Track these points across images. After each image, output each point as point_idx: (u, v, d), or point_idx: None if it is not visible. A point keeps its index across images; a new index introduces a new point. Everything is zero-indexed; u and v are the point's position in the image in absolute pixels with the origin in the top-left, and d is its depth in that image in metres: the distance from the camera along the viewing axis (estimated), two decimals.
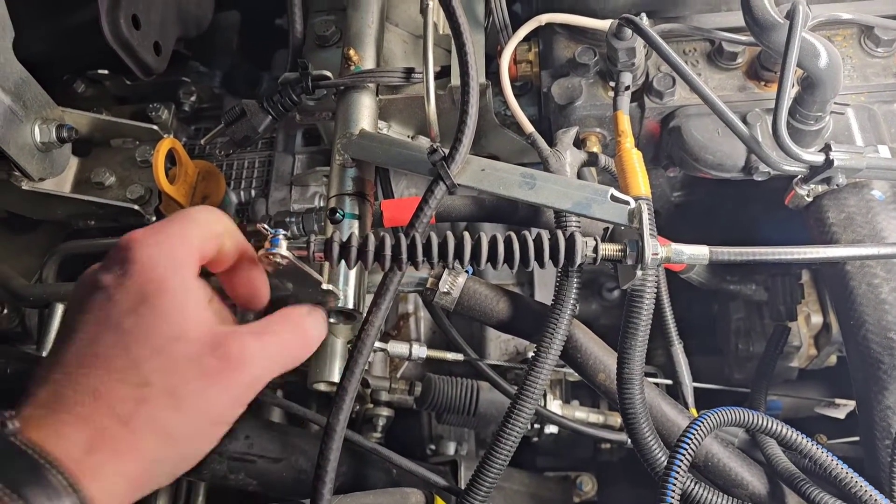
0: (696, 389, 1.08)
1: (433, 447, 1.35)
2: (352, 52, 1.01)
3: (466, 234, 0.77)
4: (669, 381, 1.11)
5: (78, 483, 0.50)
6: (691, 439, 0.77)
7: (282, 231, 0.76)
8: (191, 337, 0.57)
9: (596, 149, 1.04)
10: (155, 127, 1.16)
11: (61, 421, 0.52)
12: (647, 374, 1.25)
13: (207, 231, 0.64)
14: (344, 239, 0.76)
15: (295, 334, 0.66)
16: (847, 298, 0.88)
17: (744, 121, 0.96)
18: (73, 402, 0.53)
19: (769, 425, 0.80)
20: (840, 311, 0.92)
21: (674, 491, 0.75)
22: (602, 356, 0.93)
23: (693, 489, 0.79)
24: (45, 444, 0.50)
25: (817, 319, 1.21)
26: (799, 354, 1.23)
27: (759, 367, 1.16)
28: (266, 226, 0.79)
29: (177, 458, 0.58)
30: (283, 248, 0.75)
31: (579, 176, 0.98)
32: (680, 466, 0.76)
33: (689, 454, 0.77)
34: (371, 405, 1.23)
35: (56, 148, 1.07)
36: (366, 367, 1.19)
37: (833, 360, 1.27)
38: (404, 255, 0.76)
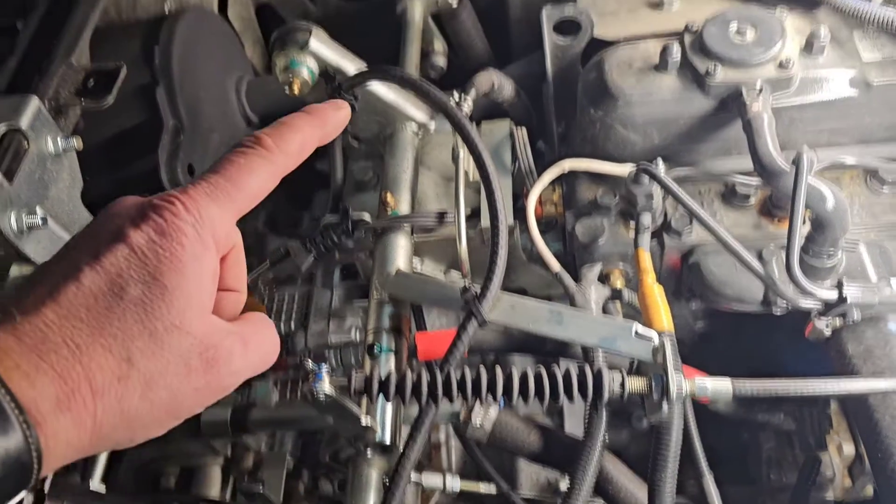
0: None
1: None
2: (389, 196, 1.09)
3: (498, 370, 0.81)
4: None
5: (35, 435, 0.49)
6: None
7: (325, 367, 0.81)
8: (186, 330, 0.55)
9: (620, 283, 1.09)
10: None
11: (40, 369, 0.50)
12: None
13: (260, 194, 0.61)
14: (382, 376, 0.80)
15: (273, 345, 0.63)
16: (872, 430, 0.90)
17: (759, 257, 1.01)
18: (56, 352, 0.51)
19: None
20: (867, 443, 0.93)
21: None
22: (633, 489, 0.94)
23: None
24: (18, 388, 0.49)
25: (849, 449, 1.21)
26: (834, 486, 1.21)
27: (791, 499, 1.15)
28: (310, 361, 0.84)
29: (126, 439, 0.56)
30: (326, 384, 0.80)
31: (604, 311, 1.02)
32: None
33: None
34: None
35: None
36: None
37: (870, 490, 1.26)
38: (439, 392, 0.80)
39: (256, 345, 0.60)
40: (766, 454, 1.27)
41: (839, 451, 1.21)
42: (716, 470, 1.10)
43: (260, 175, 0.60)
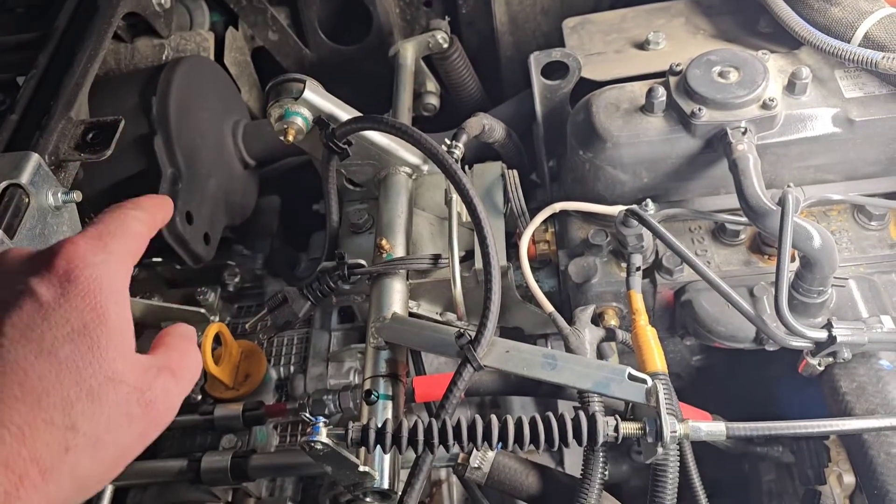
0: None
1: None
2: (384, 241, 1.11)
3: (493, 418, 0.82)
4: None
5: None
6: None
7: (322, 419, 0.82)
8: (121, 380, 0.53)
9: (614, 322, 1.10)
10: (203, 310, 1.24)
11: None
12: None
13: (143, 242, 0.63)
14: (379, 424, 0.82)
15: (196, 361, 0.63)
16: (868, 467, 0.90)
17: (751, 293, 1.02)
18: None
19: None
20: (863, 479, 0.94)
21: None
22: None
23: None
24: None
25: (850, 479, 1.21)
26: None
27: None
28: (307, 414, 0.85)
29: (78, 499, 0.54)
30: (323, 435, 0.81)
31: (599, 351, 1.03)
32: None
33: None
34: None
35: None
36: None
37: None
38: (435, 440, 0.81)
39: (184, 370, 0.60)
40: (767, 486, 1.27)
41: (839, 481, 1.21)
42: (717, 499, 1.10)
43: (139, 223, 0.63)
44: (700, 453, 1.07)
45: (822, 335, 0.89)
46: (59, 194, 1.05)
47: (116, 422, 0.53)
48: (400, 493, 0.89)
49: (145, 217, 0.65)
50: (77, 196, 1.08)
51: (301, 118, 1.11)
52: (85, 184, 1.19)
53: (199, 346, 0.67)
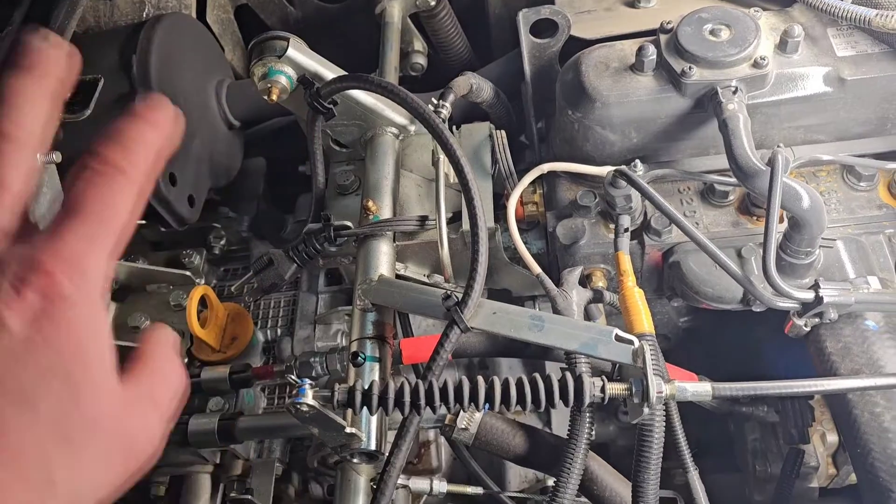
0: None
1: None
2: (370, 203, 1.09)
3: (480, 379, 0.82)
4: None
5: None
6: None
7: (308, 381, 0.82)
8: (102, 422, 0.48)
9: (602, 283, 1.10)
10: (188, 273, 1.24)
11: None
12: (666, 499, 1.26)
13: (130, 220, 0.53)
14: (365, 386, 0.81)
15: (179, 378, 0.56)
16: (851, 426, 0.91)
17: (739, 255, 1.02)
18: None
19: None
20: (847, 439, 0.95)
21: None
22: (618, 488, 0.96)
23: None
24: None
25: (833, 438, 1.23)
26: (818, 474, 1.23)
27: (776, 492, 1.17)
28: (293, 376, 0.85)
29: None
30: (309, 397, 0.81)
31: (587, 312, 1.03)
32: None
33: None
34: None
35: None
36: None
37: (854, 477, 1.28)
38: (422, 402, 0.81)
39: (165, 393, 0.54)
40: (752, 445, 1.29)
41: (823, 440, 1.22)
42: (702, 459, 1.11)
43: (126, 201, 0.51)
44: (685, 413, 1.08)
45: (809, 296, 0.89)
46: (38, 155, 1.03)
47: (96, 468, 0.48)
48: (387, 454, 0.89)
49: (136, 183, 0.52)
50: (56, 157, 1.05)
51: (285, 77, 1.08)
52: (65, 145, 1.17)
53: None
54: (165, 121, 0.55)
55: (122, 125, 0.53)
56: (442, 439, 1.39)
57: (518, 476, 1.31)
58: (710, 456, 1.28)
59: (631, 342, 0.85)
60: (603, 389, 0.82)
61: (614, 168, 0.99)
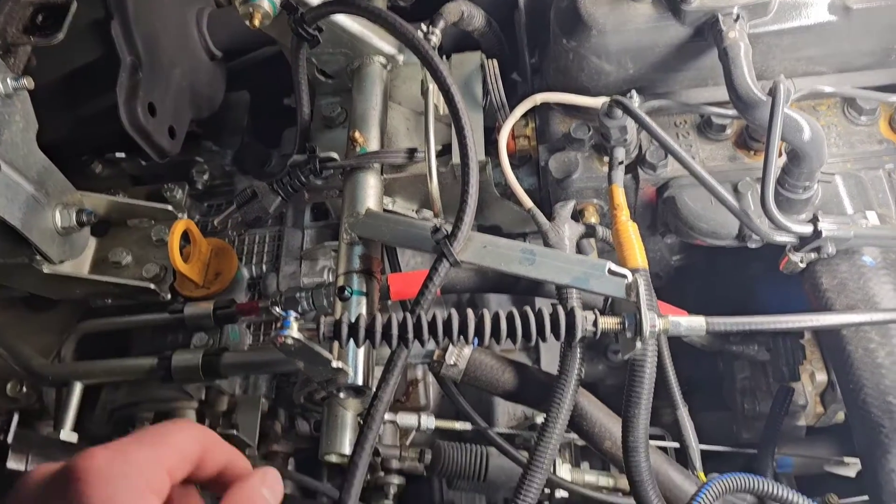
0: (703, 450, 1.09)
1: None
2: (357, 134, 1.06)
3: (470, 312, 0.80)
4: (677, 445, 1.13)
5: None
6: None
7: (293, 313, 0.79)
8: None
9: (594, 219, 1.07)
10: (170, 207, 1.21)
11: None
12: (655, 437, 1.26)
13: (181, 455, 0.54)
14: (352, 319, 0.79)
15: None
16: (845, 362, 0.90)
17: (735, 189, 0.99)
18: None
19: (776, 491, 0.82)
20: (839, 375, 0.94)
21: None
22: (608, 423, 0.95)
23: None
24: None
25: (822, 377, 1.23)
26: (806, 413, 1.24)
27: (765, 429, 1.17)
28: (278, 308, 0.82)
29: None
30: (294, 330, 0.79)
31: (578, 247, 1.01)
32: None
33: None
34: (382, 473, 1.24)
35: (76, 231, 1.12)
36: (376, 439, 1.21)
37: (841, 416, 1.28)
38: (410, 335, 0.79)
39: None
40: (741, 384, 1.29)
41: (812, 379, 1.22)
42: (692, 397, 1.11)
43: (183, 433, 0.55)
44: (675, 352, 1.07)
45: (808, 229, 0.87)
46: (9, 80, 0.99)
47: None
48: (374, 389, 0.87)
49: (198, 434, 0.56)
50: (28, 83, 1.01)
51: (267, 1, 1.03)
52: (38, 72, 1.12)
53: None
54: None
55: None
56: (430, 378, 1.39)
57: (506, 414, 1.31)
58: (699, 394, 1.27)
59: (624, 276, 0.83)
60: (595, 323, 0.80)
61: (610, 98, 0.96)
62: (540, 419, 1.04)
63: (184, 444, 0.55)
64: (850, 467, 1.24)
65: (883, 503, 0.88)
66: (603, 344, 1.42)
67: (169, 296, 1.18)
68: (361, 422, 0.89)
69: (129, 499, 0.48)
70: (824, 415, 1.25)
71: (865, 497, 1.21)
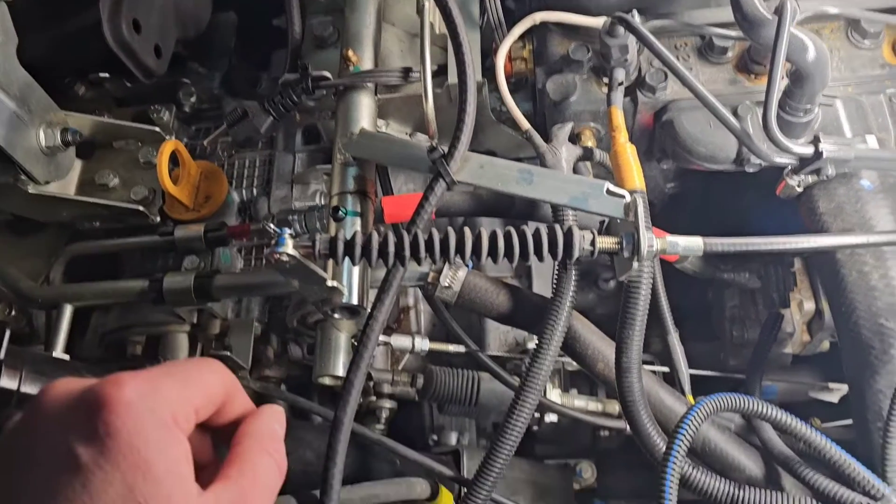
0: (692, 376, 1.11)
1: (435, 438, 1.37)
2: (350, 52, 1.03)
3: (467, 230, 0.79)
4: (666, 369, 1.14)
5: None
6: (689, 425, 0.80)
7: (287, 230, 0.78)
8: None
9: (591, 143, 1.06)
10: (157, 129, 1.18)
11: None
12: (644, 363, 1.27)
13: (208, 396, 0.54)
14: (348, 237, 0.78)
15: (276, 476, 0.56)
16: (838, 286, 0.91)
17: (734, 113, 0.98)
18: None
19: (765, 410, 0.83)
20: (832, 298, 0.94)
21: (673, 476, 0.77)
22: (601, 346, 0.95)
23: (691, 473, 0.82)
24: None
25: (810, 306, 1.24)
26: (793, 341, 1.25)
27: (753, 354, 1.18)
28: (272, 225, 0.81)
29: None
30: (289, 247, 0.78)
31: (575, 171, 1.00)
32: (678, 452, 0.79)
33: (687, 440, 0.79)
34: (374, 397, 1.25)
35: (61, 151, 1.09)
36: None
37: (826, 345, 1.30)
38: (407, 252, 0.78)
39: (256, 495, 0.52)
40: (730, 312, 1.30)
41: (800, 307, 1.23)
42: (680, 328, 1.12)
43: (213, 374, 0.54)
44: (664, 282, 1.08)
45: (809, 150, 0.86)
46: None
47: None
48: (369, 309, 0.87)
49: (226, 378, 0.55)
50: None
51: None
52: None
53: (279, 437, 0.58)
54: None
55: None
56: (422, 305, 1.39)
57: (498, 340, 1.32)
58: (688, 324, 1.28)
59: (622, 196, 0.82)
60: (593, 242, 0.80)
61: (613, 15, 0.93)
62: (531, 345, 1.04)
63: (212, 385, 0.54)
64: (834, 393, 1.26)
65: (868, 423, 0.89)
66: (594, 273, 1.43)
67: (158, 218, 1.16)
68: (356, 343, 0.88)
69: (157, 434, 0.47)
70: (810, 343, 1.27)
71: (849, 421, 1.25)
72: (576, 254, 0.79)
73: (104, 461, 0.45)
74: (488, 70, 1.11)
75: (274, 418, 0.58)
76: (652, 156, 1.12)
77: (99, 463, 0.45)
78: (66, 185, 1.15)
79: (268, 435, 0.56)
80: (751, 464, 0.94)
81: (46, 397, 0.49)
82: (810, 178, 0.93)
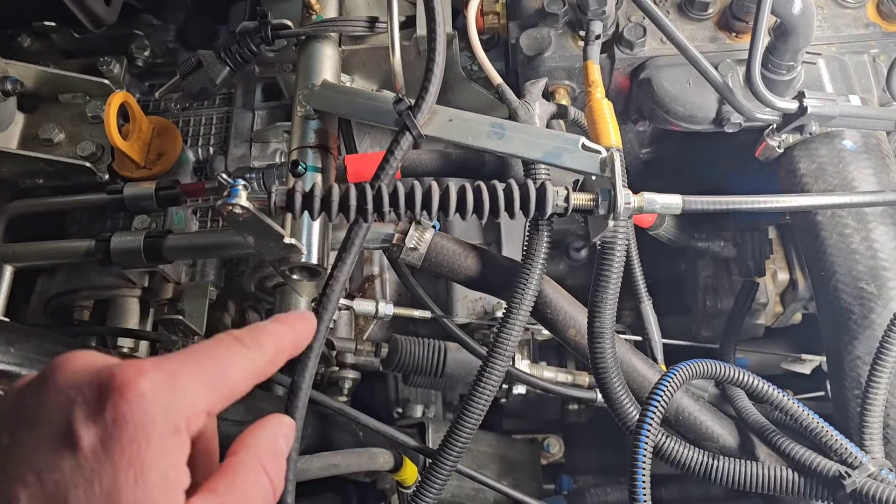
0: (665, 347, 1.08)
1: (400, 410, 1.33)
2: (313, 0, 0.97)
3: (434, 184, 0.74)
4: (639, 338, 1.11)
5: None
6: (663, 393, 0.76)
7: (241, 181, 0.73)
8: None
9: (565, 102, 1.01)
10: (106, 81, 1.11)
11: None
12: (616, 332, 1.25)
13: (230, 396, 0.50)
14: (307, 190, 0.73)
15: (266, 495, 0.52)
16: (818, 249, 0.88)
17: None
18: None
19: (740, 377, 0.80)
20: (811, 262, 0.92)
21: (646, 445, 0.74)
22: (572, 311, 0.91)
23: (665, 443, 0.78)
24: None
25: (783, 276, 1.22)
26: (766, 311, 1.23)
27: (727, 322, 1.16)
28: (225, 176, 0.76)
29: None
30: (242, 198, 0.72)
31: (548, 128, 0.95)
32: (652, 420, 0.75)
33: (661, 408, 0.76)
34: (336, 368, 1.20)
35: (0, 102, 1.02)
36: (331, 327, 1.16)
37: (798, 317, 1.28)
38: (370, 206, 0.73)
39: None
40: (704, 282, 1.27)
41: (774, 277, 1.21)
42: (653, 299, 1.09)
43: (241, 366, 0.50)
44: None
45: (793, 105, 0.83)
46: None
47: None
48: (330, 269, 0.82)
49: (255, 357, 0.51)
50: None
51: None
52: None
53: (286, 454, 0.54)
54: (301, 325, 0.57)
55: (260, 323, 0.55)
56: (388, 273, 1.34)
57: (466, 309, 1.28)
58: (660, 297, 1.25)
59: (598, 151, 0.78)
60: (567, 199, 0.76)
61: None
62: (500, 313, 1.00)
63: (238, 383, 0.50)
64: (807, 364, 1.25)
65: (846, 390, 0.87)
66: (565, 242, 1.39)
67: (107, 176, 1.09)
68: (316, 305, 0.83)
69: (162, 435, 0.45)
70: (783, 314, 1.25)
71: (821, 392, 1.23)
72: (549, 210, 0.75)
73: (102, 449, 0.43)
74: (460, 30, 1.05)
75: (281, 432, 0.54)
76: (627, 118, 1.08)
77: (96, 449, 0.43)
78: (7, 139, 1.08)
79: (269, 451, 0.52)
80: (725, 433, 0.91)
81: (64, 364, 0.46)
82: (791, 139, 0.90)
